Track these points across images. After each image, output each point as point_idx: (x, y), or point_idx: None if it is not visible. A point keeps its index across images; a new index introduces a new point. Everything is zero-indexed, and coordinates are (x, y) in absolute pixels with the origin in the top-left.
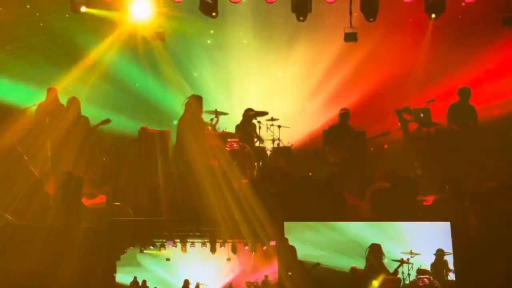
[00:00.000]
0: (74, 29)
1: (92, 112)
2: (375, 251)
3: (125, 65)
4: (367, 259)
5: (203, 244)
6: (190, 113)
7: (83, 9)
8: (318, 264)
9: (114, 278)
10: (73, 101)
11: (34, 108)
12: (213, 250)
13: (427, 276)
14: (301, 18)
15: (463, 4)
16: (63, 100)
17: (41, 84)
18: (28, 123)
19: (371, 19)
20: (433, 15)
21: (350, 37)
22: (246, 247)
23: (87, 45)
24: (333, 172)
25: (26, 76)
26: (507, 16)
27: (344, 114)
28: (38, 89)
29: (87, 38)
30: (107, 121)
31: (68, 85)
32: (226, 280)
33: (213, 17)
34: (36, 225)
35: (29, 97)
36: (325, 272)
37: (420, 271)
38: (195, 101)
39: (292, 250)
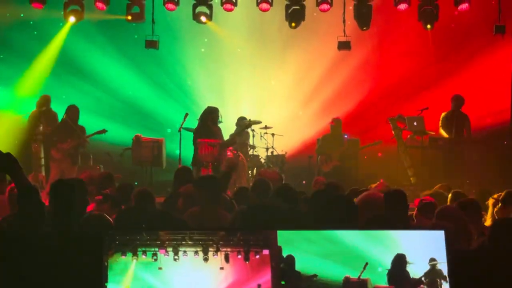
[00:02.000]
0: (68, 38)
1: (86, 120)
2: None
3: (119, 73)
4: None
5: (196, 253)
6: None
7: (72, 19)
8: (315, 275)
9: (105, 287)
10: (71, 109)
11: (27, 116)
12: (205, 259)
13: (421, 285)
14: (293, 24)
15: (456, 13)
16: (58, 108)
17: (35, 92)
18: (22, 131)
19: (365, 28)
20: (428, 26)
21: (344, 46)
22: (239, 256)
23: (81, 53)
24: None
25: (20, 84)
26: (500, 25)
27: (333, 127)
28: (32, 97)
29: (81, 46)
30: (103, 131)
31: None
32: None
33: (203, 22)
34: (28, 233)
35: (23, 105)
36: (320, 282)
37: (413, 281)
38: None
39: (290, 259)
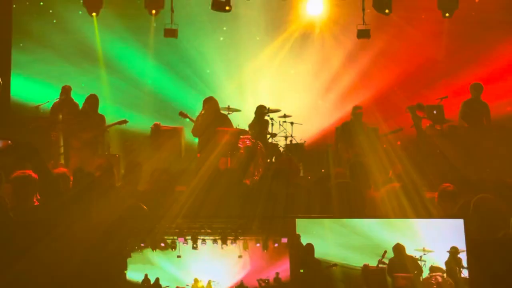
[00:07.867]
0: (88, 27)
1: (105, 109)
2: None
3: (138, 62)
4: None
5: (214, 241)
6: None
7: (95, 13)
8: (335, 264)
9: (125, 275)
10: (90, 98)
11: (47, 105)
12: (224, 247)
13: (440, 273)
14: None
15: (476, 0)
16: (77, 96)
17: (55, 81)
18: (43, 120)
19: (387, 11)
20: (447, 14)
21: (363, 34)
22: (258, 244)
23: (100, 42)
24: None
25: (39, 73)
26: None
27: (357, 114)
28: (52, 86)
29: (100, 35)
30: (124, 121)
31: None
32: (238, 277)
33: (227, 11)
34: (48, 221)
35: (42, 94)
36: (339, 270)
37: (433, 269)
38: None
39: (310, 247)
